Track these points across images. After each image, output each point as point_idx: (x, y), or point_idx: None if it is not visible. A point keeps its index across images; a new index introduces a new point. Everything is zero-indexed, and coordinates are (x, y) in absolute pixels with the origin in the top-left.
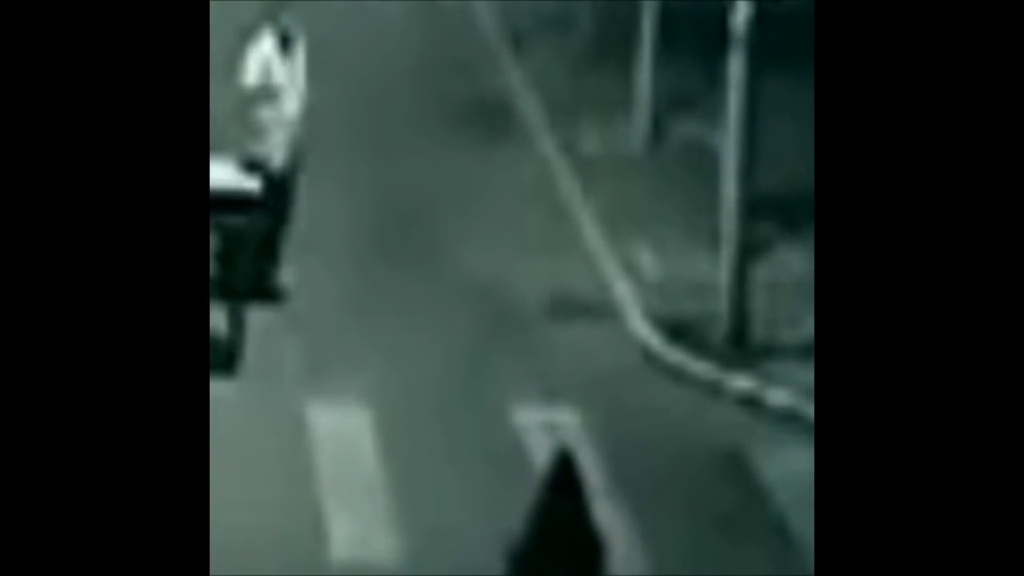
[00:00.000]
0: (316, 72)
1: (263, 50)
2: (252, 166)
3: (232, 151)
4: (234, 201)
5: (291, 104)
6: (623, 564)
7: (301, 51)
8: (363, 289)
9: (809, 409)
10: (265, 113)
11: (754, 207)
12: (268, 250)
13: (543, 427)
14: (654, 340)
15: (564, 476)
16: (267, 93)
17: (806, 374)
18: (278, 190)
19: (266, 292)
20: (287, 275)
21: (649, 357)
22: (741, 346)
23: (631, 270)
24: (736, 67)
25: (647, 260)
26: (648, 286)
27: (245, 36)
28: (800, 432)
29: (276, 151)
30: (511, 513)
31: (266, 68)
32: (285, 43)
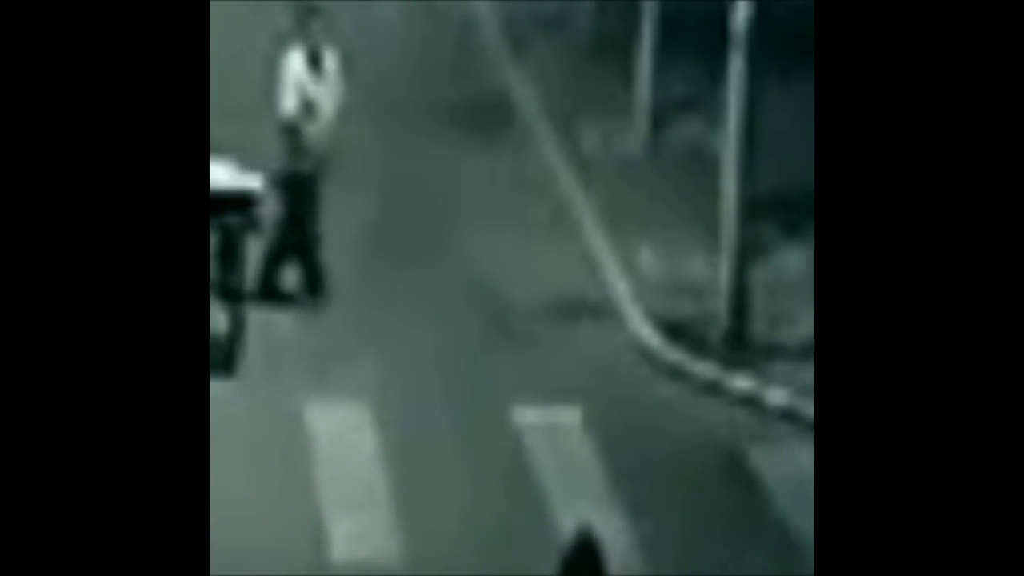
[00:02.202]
0: None
1: (293, 71)
2: (285, 177)
3: (276, 166)
4: (234, 201)
5: (326, 112)
6: (623, 563)
7: (332, 56)
8: (363, 289)
9: (809, 408)
10: (307, 129)
11: (754, 207)
12: (277, 255)
13: (543, 427)
14: (654, 340)
15: (585, 560)
16: (306, 112)
17: (805, 374)
18: (303, 196)
19: (278, 295)
20: (291, 275)
21: (649, 357)
22: (741, 346)
23: (631, 270)
24: (736, 67)
25: (647, 260)
26: (648, 286)
27: (280, 43)
28: (800, 431)
29: (308, 160)
30: (511, 513)
31: (300, 88)
32: (315, 52)
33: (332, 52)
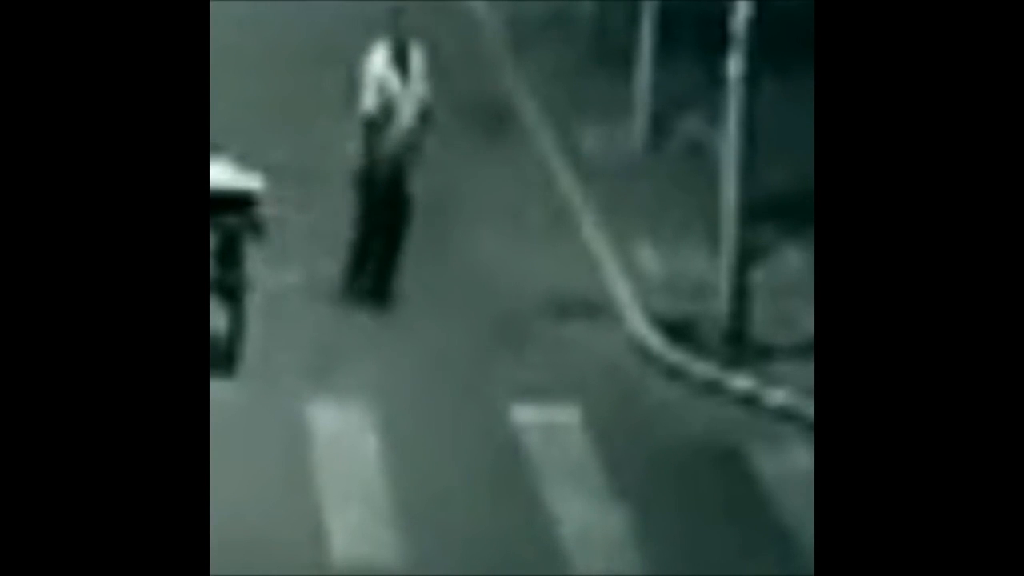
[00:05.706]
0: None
1: (377, 69)
2: (361, 176)
3: (347, 168)
4: (234, 201)
5: (407, 114)
6: (623, 563)
7: (418, 55)
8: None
9: (809, 408)
10: (386, 130)
11: (754, 207)
12: (360, 254)
13: (542, 426)
14: (654, 340)
15: None
16: (386, 111)
17: (805, 374)
18: (380, 194)
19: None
20: (292, 275)
21: (649, 357)
22: (741, 346)
23: (631, 270)
24: (736, 67)
25: (647, 260)
26: (648, 286)
27: (364, 41)
28: (800, 431)
29: (384, 161)
30: (510, 512)
31: (382, 87)
32: (402, 51)
33: (419, 50)
